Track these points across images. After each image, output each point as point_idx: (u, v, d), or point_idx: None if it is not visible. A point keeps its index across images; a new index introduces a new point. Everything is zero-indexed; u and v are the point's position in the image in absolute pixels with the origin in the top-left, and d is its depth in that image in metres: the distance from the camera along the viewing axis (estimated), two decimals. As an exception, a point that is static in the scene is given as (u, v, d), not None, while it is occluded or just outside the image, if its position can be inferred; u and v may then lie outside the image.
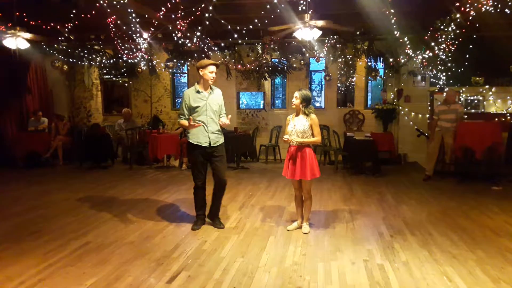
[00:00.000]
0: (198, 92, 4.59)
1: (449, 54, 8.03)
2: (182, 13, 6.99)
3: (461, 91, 9.04)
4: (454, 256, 3.86)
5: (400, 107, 9.64)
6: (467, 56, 8.41)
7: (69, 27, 7.83)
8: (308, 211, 4.65)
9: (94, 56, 9.91)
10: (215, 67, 4.59)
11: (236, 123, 10.14)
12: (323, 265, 3.67)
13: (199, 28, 7.75)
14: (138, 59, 9.37)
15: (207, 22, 7.29)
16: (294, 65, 9.77)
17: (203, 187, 4.75)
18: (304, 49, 9.16)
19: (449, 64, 8.39)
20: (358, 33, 8.62)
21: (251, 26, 7.82)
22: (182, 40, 8.25)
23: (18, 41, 6.96)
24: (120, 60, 9.63)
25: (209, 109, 4.60)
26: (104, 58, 10.00)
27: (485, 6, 6.17)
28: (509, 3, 6.02)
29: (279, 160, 9.91)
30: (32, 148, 9.17)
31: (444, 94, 8.15)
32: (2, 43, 7.04)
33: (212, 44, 8.93)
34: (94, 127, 9.71)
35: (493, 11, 6.21)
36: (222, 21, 7.45)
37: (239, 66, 9.54)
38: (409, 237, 4.42)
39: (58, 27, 8.11)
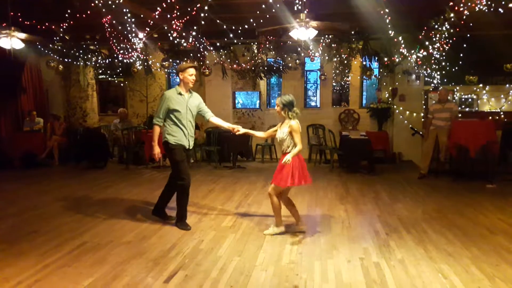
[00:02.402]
0: (180, 94, 4.61)
1: (443, 53, 8.10)
2: (178, 13, 6.99)
3: (455, 90, 9.11)
4: (449, 253, 3.90)
5: (395, 106, 9.69)
6: (461, 55, 8.47)
7: (64, 27, 7.82)
8: (273, 213, 4.47)
9: (89, 56, 9.90)
10: (195, 70, 4.63)
11: (232, 122, 10.12)
12: (319, 263, 3.69)
13: (195, 27, 7.76)
14: (134, 59, 9.38)
15: (203, 22, 7.30)
16: (290, 64, 9.79)
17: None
18: (299, 49, 9.19)
19: (443, 63, 8.45)
20: (353, 32, 8.66)
21: (246, 26, 7.84)
22: (177, 39, 8.25)
23: (13, 41, 6.92)
24: (116, 60, 9.63)
25: (189, 113, 4.66)
26: (99, 58, 10.00)
27: (478, 6, 6.22)
28: (502, 3, 6.07)
29: (275, 160, 9.92)
30: (28, 149, 9.11)
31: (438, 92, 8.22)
32: (-3, 43, 7.01)
33: (207, 43, 8.93)
34: (92, 131, 9.73)
35: (486, 10, 6.26)
36: (218, 21, 7.46)
37: (235, 66, 9.55)
38: (404, 235, 4.45)
39: (53, 27, 8.09)
